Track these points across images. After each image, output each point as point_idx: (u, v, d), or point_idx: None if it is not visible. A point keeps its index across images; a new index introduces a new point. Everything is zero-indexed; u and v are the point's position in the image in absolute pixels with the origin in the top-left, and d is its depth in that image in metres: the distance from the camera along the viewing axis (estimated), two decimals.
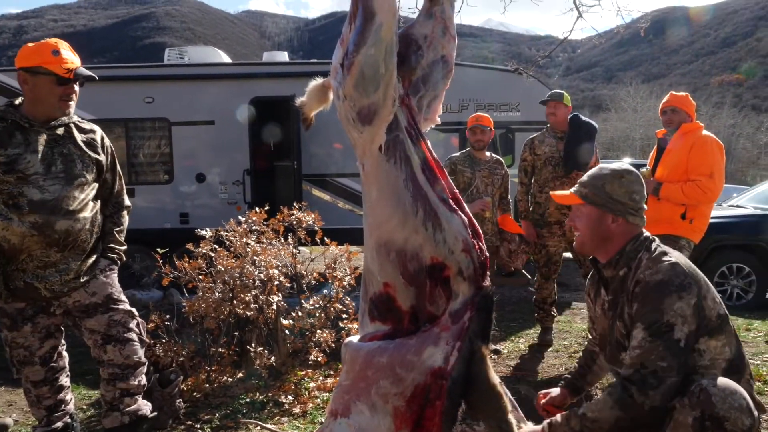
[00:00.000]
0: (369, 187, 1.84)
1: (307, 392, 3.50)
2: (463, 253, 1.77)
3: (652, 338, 1.82)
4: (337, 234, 4.31)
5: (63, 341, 2.68)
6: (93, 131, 2.61)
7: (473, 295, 1.79)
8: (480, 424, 1.89)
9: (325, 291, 3.99)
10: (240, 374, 3.70)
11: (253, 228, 4.00)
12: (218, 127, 7.65)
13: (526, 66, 7.07)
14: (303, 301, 3.87)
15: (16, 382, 3.93)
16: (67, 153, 2.46)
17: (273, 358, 3.65)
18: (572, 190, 2.16)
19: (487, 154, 4.63)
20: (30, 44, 2.45)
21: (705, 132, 3.97)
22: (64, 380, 2.61)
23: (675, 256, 1.97)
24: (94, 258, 2.57)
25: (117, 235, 2.69)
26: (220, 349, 3.69)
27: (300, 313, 3.79)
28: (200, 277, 3.76)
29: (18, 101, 2.47)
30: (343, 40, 1.82)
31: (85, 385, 3.88)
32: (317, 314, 3.82)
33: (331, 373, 3.79)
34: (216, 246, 3.85)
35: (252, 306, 3.66)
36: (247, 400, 3.40)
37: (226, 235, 3.90)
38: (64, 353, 2.65)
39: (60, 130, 2.47)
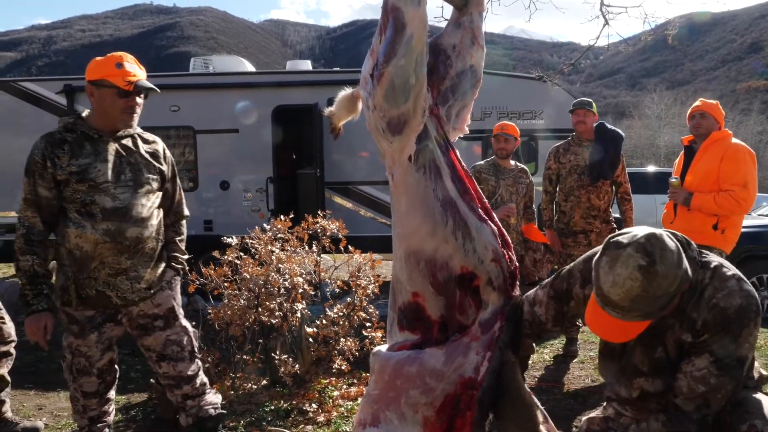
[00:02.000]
0: (398, 197, 1.84)
1: (331, 400, 3.50)
2: (493, 263, 1.76)
3: (720, 372, 1.66)
4: (358, 242, 4.32)
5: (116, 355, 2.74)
6: (155, 142, 2.69)
7: (503, 305, 1.78)
8: None
9: (348, 299, 3.99)
10: (264, 381, 3.72)
11: (278, 236, 4.03)
12: (242, 135, 7.72)
13: (549, 73, 7.02)
14: (327, 309, 3.88)
15: (46, 386, 4.02)
16: (134, 162, 2.53)
17: (297, 365, 3.66)
18: (617, 316, 1.65)
19: (512, 162, 4.61)
20: (98, 58, 2.53)
21: (735, 140, 3.90)
22: (112, 393, 2.65)
23: (722, 260, 1.80)
24: (162, 267, 2.65)
25: (179, 245, 2.78)
26: (244, 356, 3.71)
27: (324, 321, 3.80)
28: (226, 284, 3.80)
29: (85, 113, 2.55)
30: (373, 51, 1.84)
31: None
32: (341, 322, 3.83)
33: (355, 381, 3.79)
34: (241, 254, 3.88)
35: (277, 313, 3.68)
36: (272, 407, 3.41)
37: (251, 243, 3.93)
38: (116, 367, 2.70)
39: (126, 141, 2.55)
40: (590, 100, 4.55)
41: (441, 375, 1.72)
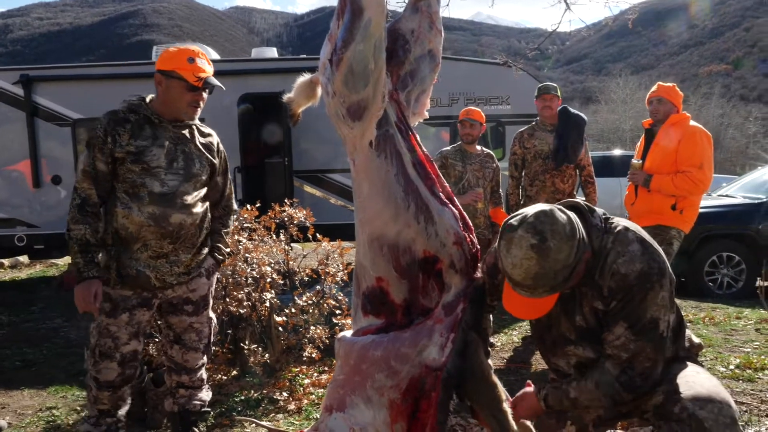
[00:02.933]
0: (360, 183, 1.85)
1: (302, 388, 3.51)
2: (455, 246, 1.78)
3: (636, 337, 1.73)
4: (329, 230, 4.32)
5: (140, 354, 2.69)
6: (211, 135, 2.73)
7: (465, 287, 1.80)
8: (474, 418, 1.91)
9: (317, 287, 3.99)
10: (234, 372, 3.70)
11: (245, 225, 3.99)
12: (208, 124, 7.57)
13: (515, 59, 7.08)
14: (296, 298, 3.87)
15: (9, 384, 3.93)
16: (188, 152, 2.56)
17: (267, 355, 3.65)
18: (528, 294, 1.72)
19: (478, 147, 4.64)
20: (171, 48, 2.59)
21: (693, 123, 4.00)
22: (127, 392, 2.60)
23: (627, 224, 1.83)
24: (204, 255, 2.68)
25: (224, 237, 2.81)
26: (214, 348, 3.68)
27: (293, 310, 3.79)
28: None
29: (149, 98, 2.57)
30: (332, 36, 1.83)
31: (79, 386, 3.86)
32: (310, 310, 3.83)
33: (326, 369, 3.80)
34: None
35: (245, 303, 3.65)
36: (242, 397, 3.40)
37: None
38: (138, 365, 2.65)
39: (184, 130, 2.58)
40: (554, 84, 4.60)
41: (406, 358, 1.73)
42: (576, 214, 1.78)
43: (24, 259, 9.61)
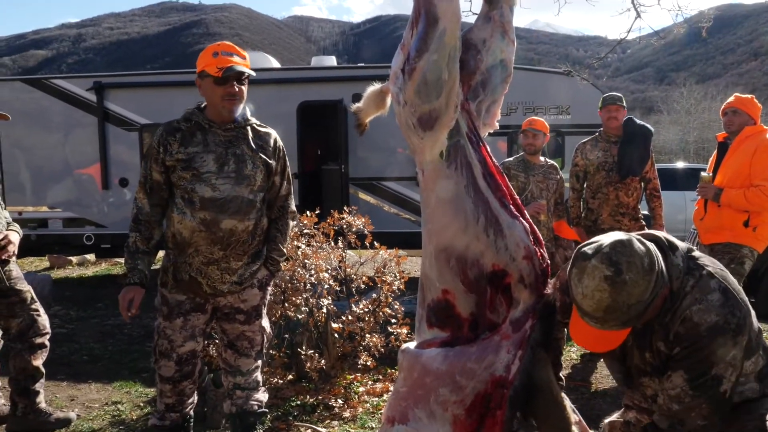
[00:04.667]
0: (429, 193, 1.83)
1: (357, 396, 3.51)
2: (525, 261, 1.74)
3: (694, 392, 1.61)
4: (382, 237, 4.32)
5: (201, 353, 2.75)
6: (268, 134, 2.70)
7: (535, 303, 1.75)
8: None
9: (374, 295, 3.99)
10: (291, 376, 3.75)
11: (304, 231, 4.04)
12: None
13: (577, 68, 6.92)
14: (352, 305, 3.89)
15: (78, 378, 4.11)
16: (240, 153, 2.56)
17: (323, 361, 3.68)
18: (598, 326, 1.63)
19: (542, 158, 4.55)
20: (205, 49, 2.58)
21: None
22: (189, 387, 2.66)
23: (718, 271, 1.71)
24: (258, 265, 2.67)
25: (279, 245, 2.76)
26: (271, 351, 3.74)
27: (350, 317, 3.80)
28: None
29: (203, 105, 2.62)
30: (404, 45, 1.82)
31: (142, 382, 4.00)
32: (366, 318, 3.83)
33: (380, 377, 3.80)
34: None
35: (303, 309, 3.69)
36: (298, 402, 3.43)
37: None
38: (199, 364, 2.72)
39: (237, 131, 2.58)
40: (620, 95, 4.47)
41: (472, 373, 1.70)
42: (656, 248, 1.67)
43: (91, 257, 10.05)
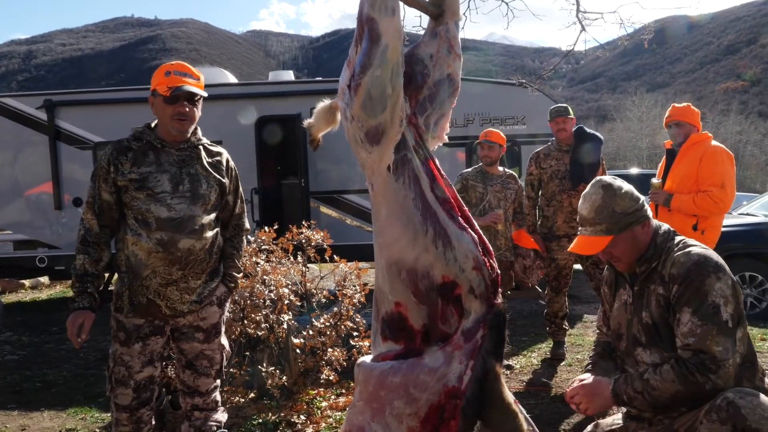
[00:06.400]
0: (378, 207, 1.84)
1: (319, 411, 3.48)
2: (474, 271, 1.77)
3: (702, 321, 1.85)
4: (345, 251, 4.32)
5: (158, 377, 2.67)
6: (220, 154, 2.70)
7: (485, 313, 1.78)
8: None
9: (335, 309, 3.98)
10: (252, 394, 3.69)
11: (263, 247, 4.01)
12: (226, 146, 7.59)
13: (530, 79, 7.09)
14: (313, 320, 3.87)
15: (29, 405, 3.96)
16: (194, 173, 2.53)
17: (285, 377, 3.64)
18: (588, 233, 2.09)
19: (500, 168, 4.62)
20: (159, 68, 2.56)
21: (714, 142, 3.96)
22: (146, 414, 2.58)
23: (690, 240, 2.07)
24: (216, 282, 2.64)
25: (236, 262, 2.75)
26: (231, 370, 3.68)
27: (311, 332, 3.78)
28: None
29: (154, 123, 2.58)
30: (350, 61, 1.84)
31: (98, 407, 3.88)
32: (328, 332, 3.81)
33: (343, 391, 3.78)
34: None
35: (263, 325, 3.65)
36: (260, 420, 3.39)
37: None
38: (155, 387, 2.64)
39: (189, 151, 2.56)
40: (566, 105, 4.59)
41: (425, 385, 1.71)
42: None
43: (45, 279, 9.73)
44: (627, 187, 2.07)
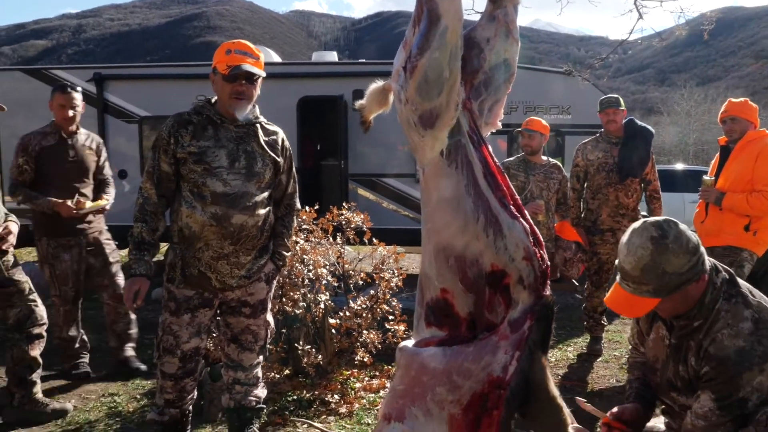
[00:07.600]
0: (429, 192, 1.82)
1: (353, 392, 3.51)
2: (524, 261, 1.74)
3: (721, 412, 1.69)
4: (380, 234, 4.31)
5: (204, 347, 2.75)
6: (276, 133, 2.73)
7: (533, 304, 1.76)
8: None
9: (371, 291, 3.99)
10: (287, 371, 3.75)
11: (303, 227, 4.04)
12: None
13: (578, 68, 6.91)
14: (350, 301, 3.89)
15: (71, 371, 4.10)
16: (251, 151, 2.57)
17: (320, 356, 3.68)
18: (630, 290, 1.74)
19: (544, 158, 4.53)
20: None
21: None
22: (190, 384, 2.66)
23: (756, 302, 1.77)
24: (265, 259, 2.69)
25: (285, 241, 2.80)
26: (269, 346, 3.73)
27: (347, 313, 3.80)
28: None
29: (214, 100, 2.62)
30: (407, 43, 1.81)
31: (139, 375, 3.99)
32: (364, 314, 3.83)
33: (377, 374, 3.80)
34: None
35: (300, 304, 3.69)
36: (294, 397, 3.44)
37: None
38: (201, 359, 2.73)
39: (247, 128, 2.60)
40: (617, 96, 4.45)
41: (469, 373, 1.70)
42: None
43: None
44: (683, 237, 1.69)
